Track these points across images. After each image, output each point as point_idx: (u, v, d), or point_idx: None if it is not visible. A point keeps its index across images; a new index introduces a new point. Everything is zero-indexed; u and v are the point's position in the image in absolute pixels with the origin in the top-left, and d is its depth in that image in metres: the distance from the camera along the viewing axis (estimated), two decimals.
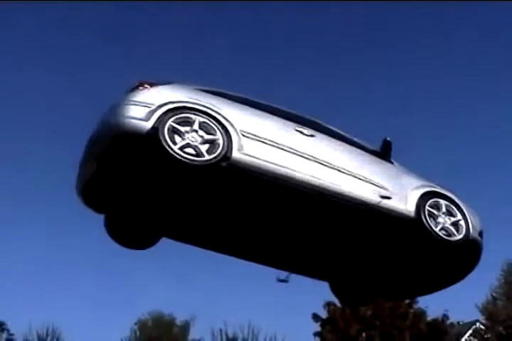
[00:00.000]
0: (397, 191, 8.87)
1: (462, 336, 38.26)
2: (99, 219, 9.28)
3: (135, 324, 39.94)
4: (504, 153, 61.91)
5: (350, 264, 9.65)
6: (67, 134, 52.09)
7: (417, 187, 9.14)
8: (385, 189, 8.77)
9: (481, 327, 37.74)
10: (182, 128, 7.64)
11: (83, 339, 52.26)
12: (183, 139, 7.59)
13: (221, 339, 37.71)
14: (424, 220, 8.79)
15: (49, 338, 37.89)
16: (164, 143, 7.41)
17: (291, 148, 8.26)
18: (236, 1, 56.10)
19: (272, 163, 7.95)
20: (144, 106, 7.65)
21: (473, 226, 9.20)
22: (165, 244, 9.62)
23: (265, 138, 8.14)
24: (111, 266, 63.62)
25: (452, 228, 9.05)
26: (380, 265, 9.59)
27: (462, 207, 9.29)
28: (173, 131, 7.57)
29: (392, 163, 9.49)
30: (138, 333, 39.80)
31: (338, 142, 9.04)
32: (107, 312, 55.90)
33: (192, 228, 9.07)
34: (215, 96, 8.32)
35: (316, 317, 34.13)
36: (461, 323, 38.40)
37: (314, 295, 26.97)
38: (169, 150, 7.42)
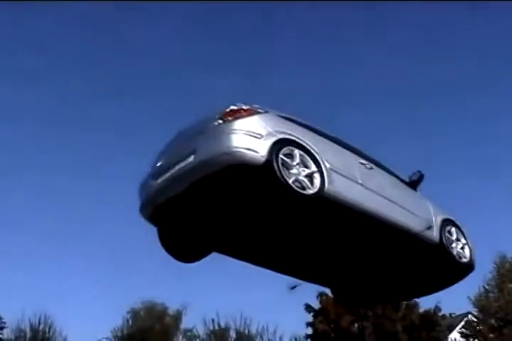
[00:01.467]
0: (431, 222, 10.01)
1: (454, 328, 38.38)
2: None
3: (127, 313, 39.85)
4: None
5: (365, 273, 10.55)
6: None
7: (439, 216, 10.31)
8: (425, 220, 9.89)
9: (473, 319, 37.83)
10: (289, 162, 8.10)
11: (75, 328, 52.46)
12: (291, 172, 8.02)
13: (213, 329, 37.91)
14: (446, 246, 10.07)
15: (41, 326, 37.94)
16: (279, 176, 7.80)
17: (362, 181, 8.99)
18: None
19: (352, 197, 8.62)
20: (253, 137, 7.87)
21: (471, 249, 10.61)
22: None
23: (343, 171, 8.74)
24: (105, 255, 63.88)
25: (462, 251, 10.46)
26: (392, 274, 10.58)
27: (464, 232, 10.69)
28: (283, 163, 7.94)
29: (416, 191, 10.62)
30: (130, 322, 39.66)
31: (386, 174, 10.04)
32: (99, 301, 56.01)
33: (251, 246, 9.62)
34: (299, 126, 8.72)
35: (308, 307, 34.13)
36: (453, 315, 38.45)
37: (307, 286, 26.88)
38: (283, 182, 7.84)
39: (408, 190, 10.38)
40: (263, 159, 7.74)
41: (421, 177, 10.58)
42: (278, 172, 7.83)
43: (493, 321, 36.48)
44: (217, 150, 7.85)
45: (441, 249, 9.98)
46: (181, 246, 9.32)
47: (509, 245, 45.62)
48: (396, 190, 9.97)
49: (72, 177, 61.52)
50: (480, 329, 36.26)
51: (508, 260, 37.63)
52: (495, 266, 37.39)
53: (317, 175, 8.26)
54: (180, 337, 40.19)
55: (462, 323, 38.83)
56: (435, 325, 33.55)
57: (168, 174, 8.39)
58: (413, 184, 10.55)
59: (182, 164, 8.19)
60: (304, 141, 8.40)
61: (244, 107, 8.35)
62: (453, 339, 36.08)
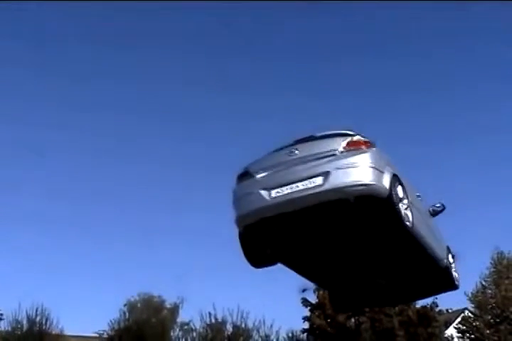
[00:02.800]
0: (445, 250, 11.63)
1: (451, 324, 38.34)
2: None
3: (124, 305, 39.77)
4: None
5: (377, 278, 11.63)
6: None
7: (445, 243, 11.85)
8: (442, 248, 11.46)
9: (470, 315, 37.86)
10: (400, 195, 9.04)
11: (72, 320, 52.46)
12: (401, 205, 8.97)
13: (210, 322, 37.96)
14: (450, 270, 11.90)
15: (38, 318, 38.08)
16: (398, 208, 8.78)
17: (421, 214, 10.21)
18: None
19: (421, 232, 9.78)
20: (379, 171, 8.68)
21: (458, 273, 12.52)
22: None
23: (416, 206, 9.89)
24: (101, 248, 63.91)
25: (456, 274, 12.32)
26: (398, 281, 11.84)
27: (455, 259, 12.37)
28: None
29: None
30: (127, 315, 39.61)
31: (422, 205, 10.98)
32: (96, 293, 56.08)
33: (316, 263, 10.70)
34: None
35: (305, 301, 34.08)
36: (449, 311, 38.39)
37: (304, 280, 26.84)
38: (400, 214, 8.82)
39: (432, 221, 11.68)
40: (387, 192, 8.60)
41: (443, 209, 11.81)
42: (397, 205, 8.75)
43: (489, 317, 36.54)
44: (352, 180, 8.53)
45: (446, 271, 11.75)
46: (260, 254, 9.86)
47: (507, 241, 45.86)
48: (429, 221, 11.27)
49: None
50: (476, 326, 36.28)
51: (505, 256, 37.68)
52: (492, 262, 37.46)
53: (409, 211, 9.18)
54: (177, 330, 39.99)
55: (459, 319, 38.85)
56: (432, 321, 33.46)
57: (287, 191, 8.72)
58: (435, 215, 11.91)
59: (307, 184, 8.64)
60: (400, 178, 9.26)
61: (365, 140, 9.01)
62: (449, 335, 35.96)
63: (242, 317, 37.68)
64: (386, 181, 8.65)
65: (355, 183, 8.48)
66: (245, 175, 9.34)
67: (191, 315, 39.68)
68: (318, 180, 8.57)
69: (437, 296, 32.90)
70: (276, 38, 66.29)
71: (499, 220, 58.08)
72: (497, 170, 64.28)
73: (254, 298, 52.26)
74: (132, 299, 40.31)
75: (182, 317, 40.42)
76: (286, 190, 8.73)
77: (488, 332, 35.65)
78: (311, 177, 8.62)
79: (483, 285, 37.30)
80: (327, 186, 8.53)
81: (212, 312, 37.68)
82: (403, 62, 66.16)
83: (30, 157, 64.03)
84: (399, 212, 8.84)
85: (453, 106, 66.47)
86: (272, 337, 37.75)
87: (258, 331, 37.69)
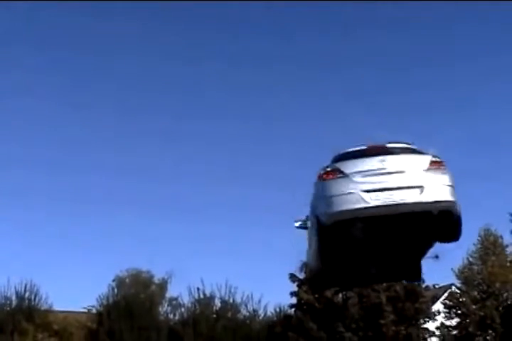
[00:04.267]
0: None
1: (438, 299, 38.55)
2: None
3: (113, 280, 39.84)
4: None
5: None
6: None
7: None
8: None
9: (457, 290, 38.06)
10: None
11: (61, 295, 52.53)
12: None
13: (198, 297, 38.05)
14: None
15: (27, 294, 38.15)
16: (461, 220, 10.67)
17: None
18: None
19: None
20: (454, 189, 10.31)
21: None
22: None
23: None
24: (89, 222, 63.90)
25: None
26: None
27: None
28: None
29: None
30: (116, 290, 39.62)
31: None
32: (86, 269, 56.18)
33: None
34: None
35: (292, 277, 34.16)
36: (436, 287, 38.59)
37: (292, 256, 26.95)
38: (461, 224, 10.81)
39: None
40: (459, 209, 10.33)
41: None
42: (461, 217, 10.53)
43: (476, 293, 36.72)
44: (440, 196, 10.11)
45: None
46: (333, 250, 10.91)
47: (494, 218, 46.04)
48: None
49: None
50: (463, 301, 36.49)
51: (492, 233, 37.75)
52: (479, 238, 37.53)
53: None
54: (166, 305, 40.30)
55: (445, 295, 39.05)
56: (419, 296, 33.66)
57: (385, 196, 9.93)
58: None
59: (404, 194, 9.96)
60: None
61: (442, 160, 10.47)
62: (436, 310, 36.17)
63: (230, 292, 37.96)
64: (456, 197, 10.39)
65: (442, 199, 10.12)
66: (336, 173, 10.31)
67: (180, 290, 39.71)
68: (415, 193, 10.01)
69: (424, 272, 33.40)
70: None
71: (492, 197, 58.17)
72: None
73: (243, 273, 52.46)
74: (121, 274, 40.32)
75: (170, 292, 40.74)
76: (384, 196, 9.97)
77: (474, 307, 35.81)
78: (407, 188, 10.03)
79: (469, 261, 37.36)
80: (421, 199, 10.00)
81: (201, 288, 37.95)
82: None
83: None
84: (461, 223, 10.75)
85: None
86: (260, 312, 38.09)
87: (246, 306, 38.00)
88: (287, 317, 35.67)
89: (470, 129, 65.97)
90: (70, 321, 38.55)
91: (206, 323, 36.90)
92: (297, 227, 12.52)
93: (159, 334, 36.79)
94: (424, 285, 34.07)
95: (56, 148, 64.68)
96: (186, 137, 68.07)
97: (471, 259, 37.43)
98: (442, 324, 36.09)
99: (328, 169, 10.41)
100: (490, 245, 37.36)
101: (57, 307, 39.15)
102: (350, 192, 9.97)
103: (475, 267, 37.41)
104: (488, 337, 35.66)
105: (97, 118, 67.92)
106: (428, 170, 10.21)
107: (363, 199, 9.92)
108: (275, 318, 37.30)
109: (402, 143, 10.99)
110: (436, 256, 12.26)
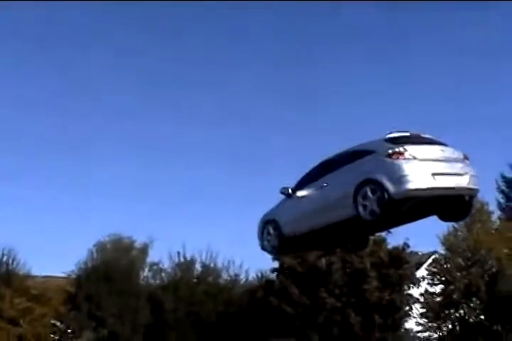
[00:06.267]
0: None
1: (421, 265, 38.20)
2: None
3: (94, 246, 39.27)
4: None
5: None
6: None
7: None
8: None
9: (441, 257, 37.62)
10: None
11: (39, 260, 52.11)
12: None
13: (179, 262, 37.61)
14: None
15: (5, 258, 37.83)
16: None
17: None
18: None
19: None
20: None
21: None
22: None
23: None
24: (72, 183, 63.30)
25: None
26: None
27: None
28: None
29: None
30: (95, 255, 39.11)
31: None
32: (65, 234, 55.71)
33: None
34: None
35: None
36: (419, 253, 38.24)
37: None
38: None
39: None
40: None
41: None
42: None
43: (460, 260, 36.34)
44: (476, 186, 12.24)
45: None
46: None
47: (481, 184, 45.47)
48: None
49: None
50: (447, 268, 36.09)
51: (478, 199, 37.19)
52: None
53: None
54: (146, 270, 39.91)
55: (429, 261, 38.69)
56: (403, 262, 33.21)
57: (446, 181, 11.75)
58: None
59: (459, 179, 11.93)
60: None
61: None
62: (420, 276, 35.78)
63: (211, 256, 37.65)
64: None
65: (476, 187, 12.29)
66: (405, 155, 11.67)
67: (160, 255, 39.30)
68: (464, 179, 11.96)
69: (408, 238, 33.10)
70: None
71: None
72: None
73: (224, 237, 52.14)
74: (102, 240, 39.79)
75: (152, 257, 40.15)
76: (445, 179, 11.71)
77: (459, 274, 35.48)
78: (460, 175, 11.93)
79: (454, 227, 36.81)
80: (467, 185, 12.02)
81: (181, 252, 37.53)
82: None
83: None
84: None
85: None
86: (241, 276, 37.81)
87: (227, 271, 37.71)
88: (269, 282, 35.20)
89: None
90: (48, 286, 38.39)
91: (187, 288, 36.66)
92: (281, 193, 13.86)
93: (139, 299, 36.56)
94: (408, 251, 33.59)
95: None
96: None
97: (456, 226, 36.87)
98: (426, 290, 35.71)
99: (398, 150, 11.76)
100: (476, 212, 36.78)
101: (36, 273, 39.09)
102: (422, 174, 11.51)
103: (460, 234, 36.99)
104: (472, 305, 35.34)
105: None
106: (464, 161, 12.25)
107: (431, 180, 11.50)
108: (257, 283, 36.97)
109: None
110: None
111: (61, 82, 66.74)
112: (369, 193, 11.78)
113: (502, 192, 45.89)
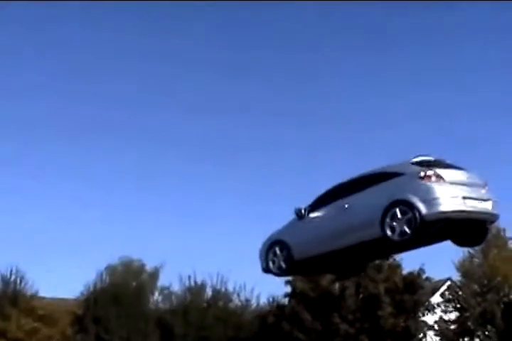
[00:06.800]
0: None
1: (436, 291, 37.53)
2: None
3: (105, 269, 38.99)
4: None
5: None
6: None
7: None
8: None
9: (457, 283, 36.99)
10: None
11: (47, 280, 51.73)
12: None
13: (189, 286, 37.21)
14: None
15: (13, 278, 37.62)
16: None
17: None
18: None
19: None
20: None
21: None
22: None
23: None
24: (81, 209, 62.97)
25: None
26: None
27: None
28: None
29: None
30: (105, 277, 38.81)
31: None
32: (76, 256, 55.35)
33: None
34: None
35: None
36: (432, 281, 37.59)
37: None
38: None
39: None
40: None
41: None
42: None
43: (476, 287, 35.73)
44: (497, 211, 12.56)
45: None
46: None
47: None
48: None
49: None
50: (462, 295, 35.45)
51: (494, 226, 36.60)
52: None
53: None
54: (157, 294, 39.67)
55: (444, 288, 38.07)
56: (418, 288, 32.63)
57: (474, 205, 12.05)
58: None
59: (484, 205, 12.26)
60: None
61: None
62: (435, 303, 35.14)
63: (222, 281, 37.28)
64: None
65: (497, 213, 12.58)
66: (437, 178, 12.00)
67: (171, 279, 39.00)
68: (488, 205, 12.28)
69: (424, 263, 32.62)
70: None
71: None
72: None
73: (236, 261, 51.57)
74: (113, 263, 39.51)
75: (162, 282, 39.81)
76: (473, 204, 12.02)
77: (474, 301, 34.81)
78: (485, 201, 12.26)
79: (470, 253, 36.32)
80: (491, 210, 12.36)
81: (192, 276, 37.16)
82: None
83: None
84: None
85: None
86: (253, 301, 37.36)
87: (238, 295, 37.28)
88: (281, 306, 34.64)
89: None
90: (56, 307, 38.17)
91: (197, 312, 36.16)
92: (295, 214, 13.57)
93: (148, 323, 36.13)
94: (424, 277, 33.05)
95: None
96: None
97: (471, 252, 36.31)
98: (441, 318, 35.03)
99: (430, 172, 12.03)
100: (491, 237, 36.19)
101: (43, 293, 38.86)
102: (454, 197, 11.83)
103: (476, 260, 36.39)
104: (487, 333, 34.59)
105: None
106: (485, 186, 12.58)
107: (462, 204, 11.85)
108: (268, 308, 36.42)
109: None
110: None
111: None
112: (398, 214, 11.90)
113: None
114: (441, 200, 11.74)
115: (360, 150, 62.22)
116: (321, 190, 13.75)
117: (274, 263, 13.87)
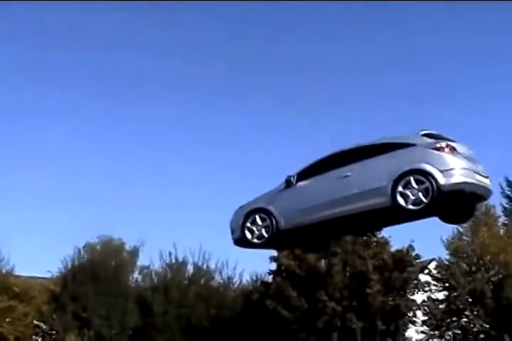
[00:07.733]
0: None
1: (423, 270, 36.68)
2: None
3: (83, 247, 37.94)
4: None
5: None
6: None
7: None
8: None
9: (445, 262, 36.17)
10: None
11: (25, 256, 50.88)
12: None
13: (170, 262, 36.19)
14: None
15: None
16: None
17: None
18: None
19: None
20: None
21: None
22: None
23: None
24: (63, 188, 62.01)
25: None
26: None
27: None
28: None
29: None
30: (83, 255, 37.73)
31: None
32: (55, 236, 54.66)
33: None
34: None
35: None
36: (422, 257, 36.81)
37: None
38: None
39: None
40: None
41: None
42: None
43: (465, 266, 34.95)
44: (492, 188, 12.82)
45: None
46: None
47: None
48: None
49: None
50: (452, 273, 34.62)
51: (484, 203, 35.73)
52: None
53: None
54: (136, 273, 38.72)
55: (431, 266, 37.26)
56: (407, 266, 31.75)
57: (481, 179, 12.14)
58: None
59: (485, 180, 12.32)
60: None
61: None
62: (424, 281, 34.32)
63: (203, 257, 36.21)
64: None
65: (492, 190, 12.82)
66: (452, 150, 12.01)
67: (152, 258, 38.02)
68: (488, 181, 12.44)
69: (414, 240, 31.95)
70: None
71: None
72: None
73: (218, 237, 50.68)
74: (92, 241, 38.49)
75: (142, 260, 38.86)
76: (480, 178, 12.11)
77: (463, 280, 33.99)
78: (486, 177, 12.35)
79: (459, 231, 35.53)
80: (489, 186, 12.50)
81: (173, 252, 36.13)
82: None
83: None
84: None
85: None
86: (236, 279, 36.42)
87: (220, 273, 36.29)
88: (265, 284, 33.74)
89: None
90: (32, 284, 37.48)
91: (177, 290, 35.10)
92: (286, 181, 13.01)
93: (127, 300, 35.16)
94: (413, 254, 32.17)
95: None
96: None
97: (461, 230, 35.49)
98: (429, 297, 34.23)
99: (443, 144, 12.05)
100: (481, 215, 35.41)
101: (22, 273, 38.17)
102: (466, 169, 11.88)
103: (465, 238, 35.59)
104: (476, 312, 33.84)
105: None
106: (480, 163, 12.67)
107: (473, 177, 11.94)
108: (251, 286, 35.54)
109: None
110: None
111: None
112: (413, 183, 11.78)
113: (507, 197, 44.32)
114: (456, 171, 11.86)
115: None
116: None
117: (252, 233, 13.15)
